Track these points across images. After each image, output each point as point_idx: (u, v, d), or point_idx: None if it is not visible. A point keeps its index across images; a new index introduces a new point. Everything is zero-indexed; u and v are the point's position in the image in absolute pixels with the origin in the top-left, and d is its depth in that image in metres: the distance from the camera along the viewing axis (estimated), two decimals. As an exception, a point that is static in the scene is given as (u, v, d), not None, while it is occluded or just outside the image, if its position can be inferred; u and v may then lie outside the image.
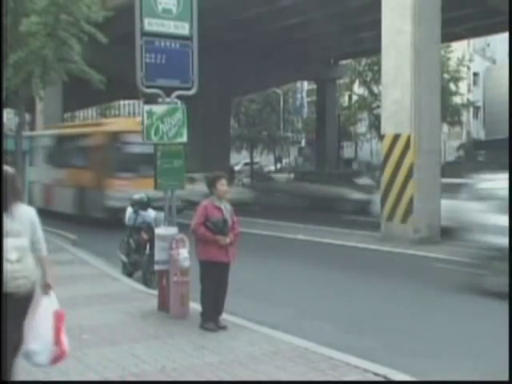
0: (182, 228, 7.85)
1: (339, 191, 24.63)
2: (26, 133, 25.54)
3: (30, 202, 20.45)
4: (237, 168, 49.30)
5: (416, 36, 15.37)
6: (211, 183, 7.20)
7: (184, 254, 7.53)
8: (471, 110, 46.60)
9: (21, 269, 4.60)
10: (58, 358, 4.92)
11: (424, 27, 15.52)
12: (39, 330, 4.77)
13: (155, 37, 7.97)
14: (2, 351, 5.09)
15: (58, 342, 4.83)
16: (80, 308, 8.07)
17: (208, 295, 7.08)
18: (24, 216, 4.73)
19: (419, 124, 15.39)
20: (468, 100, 43.50)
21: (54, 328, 4.80)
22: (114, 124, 20.80)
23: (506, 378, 5.16)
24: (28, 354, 4.81)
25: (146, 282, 9.71)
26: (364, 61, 38.70)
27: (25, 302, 4.72)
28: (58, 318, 4.84)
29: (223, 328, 7.03)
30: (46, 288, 4.86)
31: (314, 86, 43.06)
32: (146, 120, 7.80)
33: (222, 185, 7.15)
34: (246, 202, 26.43)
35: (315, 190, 25.90)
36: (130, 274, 10.53)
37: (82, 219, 19.08)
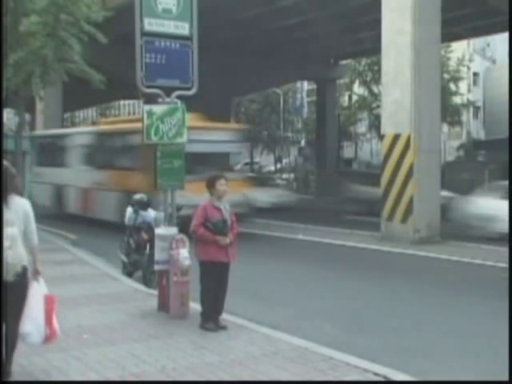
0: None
1: None
2: (59, 130, 24.37)
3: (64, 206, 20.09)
4: (237, 168, 49.25)
5: (416, 36, 15.37)
6: (210, 183, 7.19)
7: (184, 253, 7.53)
8: (471, 109, 46.64)
9: (12, 255, 4.98)
10: (49, 338, 5.38)
11: (424, 27, 15.52)
12: (32, 313, 5.19)
13: (155, 37, 7.96)
14: (1, 351, 5.18)
15: (49, 323, 5.31)
16: (80, 308, 8.08)
17: (208, 295, 7.08)
18: (19, 207, 5.14)
19: (419, 124, 15.39)
20: (468, 100, 43.54)
21: (45, 311, 5.28)
22: None
23: (505, 378, 5.16)
24: (21, 335, 5.21)
25: (146, 282, 9.71)
26: (364, 61, 38.72)
27: (16, 288, 5.04)
28: (49, 301, 5.33)
29: (223, 328, 7.03)
30: (36, 274, 5.30)
31: (314, 86, 43.06)
32: (146, 120, 7.80)
33: (221, 185, 7.15)
34: (289, 205, 25.03)
35: (367, 193, 21.90)
36: (129, 274, 10.54)
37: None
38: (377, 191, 18.54)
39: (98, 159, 19.08)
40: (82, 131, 21.92)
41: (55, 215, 20.23)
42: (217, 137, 16.75)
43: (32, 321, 5.19)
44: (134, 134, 16.45)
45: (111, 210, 17.45)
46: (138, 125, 18.03)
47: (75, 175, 20.09)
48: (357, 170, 32.88)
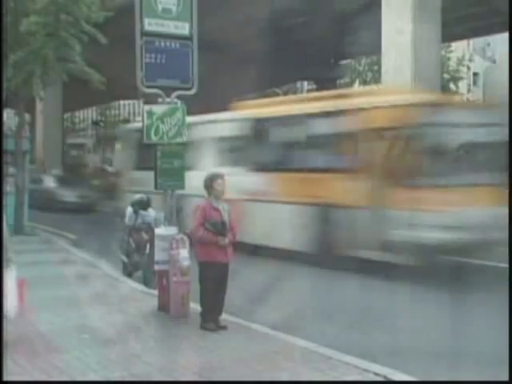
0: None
1: None
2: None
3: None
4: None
5: (416, 36, 15.38)
6: (208, 183, 7.18)
7: (184, 254, 7.53)
8: (471, 110, 46.58)
9: None
10: (22, 312, 6.12)
11: (424, 27, 15.53)
12: (8, 294, 5.84)
13: (155, 37, 7.97)
14: (1, 350, 5.17)
15: (20, 299, 6.08)
16: (80, 308, 8.07)
17: (208, 295, 7.08)
18: None
19: (419, 124, 15.35)
20: (468, 100, 43.53)
21: (18, 291, 6.03)
22: (406, 94, 12.09)
23: (505, 378, 5.16)
24: None
25: (146, 282, 9.71)
26: (364, 61, 38.71)
27: None
28: (20, 283, 6.13)
29: (223, 328, 7.02)
30: (7, 261, 5.90)
31: (314, 86, 43.05)
32: (146, 120, 7.81)
33: (219, 185, 7.14)
34: None
35: None
36: (130, 274, 10.54)
37: (325, 262, 11.56)
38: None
39: (262, 158, 13.04)
40: (229, 118, 15.03)
41: None
42: (481, 118, 11.12)
43: (8, 300, 5.88)
44: (338, 118, 11.64)
45: (288, 233, 12.36)
46: (351, 103, 11.64)
47: None
48: None
